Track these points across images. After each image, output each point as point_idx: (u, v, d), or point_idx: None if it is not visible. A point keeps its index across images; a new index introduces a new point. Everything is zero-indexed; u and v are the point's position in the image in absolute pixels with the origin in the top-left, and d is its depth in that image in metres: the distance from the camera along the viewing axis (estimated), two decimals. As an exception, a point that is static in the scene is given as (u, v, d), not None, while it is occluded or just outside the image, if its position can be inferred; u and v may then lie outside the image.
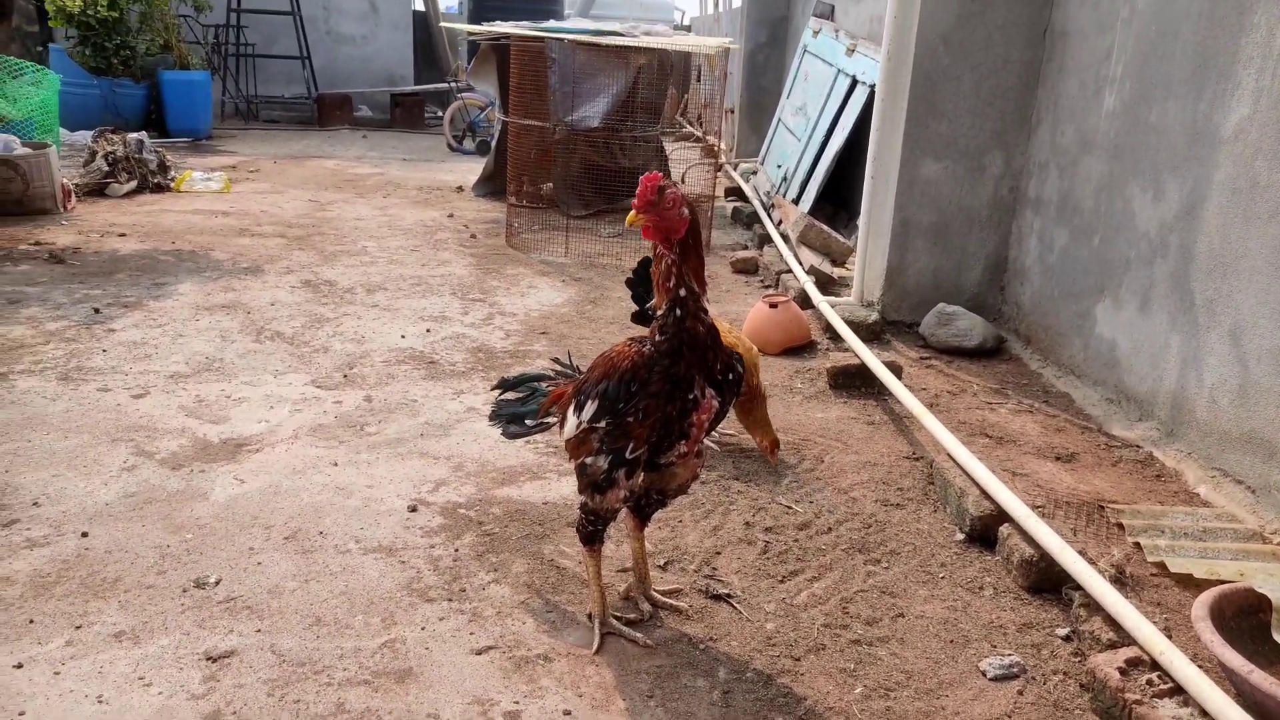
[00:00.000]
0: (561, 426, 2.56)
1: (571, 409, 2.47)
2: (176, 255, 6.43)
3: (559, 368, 3.02)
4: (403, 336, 5.04)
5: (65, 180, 7.69)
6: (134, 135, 8.84)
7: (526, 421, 2.81)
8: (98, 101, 11.43)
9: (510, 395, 2.94)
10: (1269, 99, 3.39)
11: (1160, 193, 4.00)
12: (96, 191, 8.25)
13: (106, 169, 8.37)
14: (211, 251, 6.56)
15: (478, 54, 9.14)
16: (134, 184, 8.47)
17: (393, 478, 3.48)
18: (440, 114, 14.71)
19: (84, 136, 9.94)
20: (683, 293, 2.22)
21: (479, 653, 2.53)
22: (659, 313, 2.26)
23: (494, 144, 9.37)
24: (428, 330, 5.17)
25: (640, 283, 3.35)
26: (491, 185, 9.18)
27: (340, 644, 2.55)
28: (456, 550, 3.02)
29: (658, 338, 2.25)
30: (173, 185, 8.77)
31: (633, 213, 2.21)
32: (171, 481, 3.39)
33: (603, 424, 2.34)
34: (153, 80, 12.00)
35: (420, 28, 17.17)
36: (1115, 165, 4.37)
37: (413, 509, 3.26)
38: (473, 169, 10.16)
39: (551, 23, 10.24)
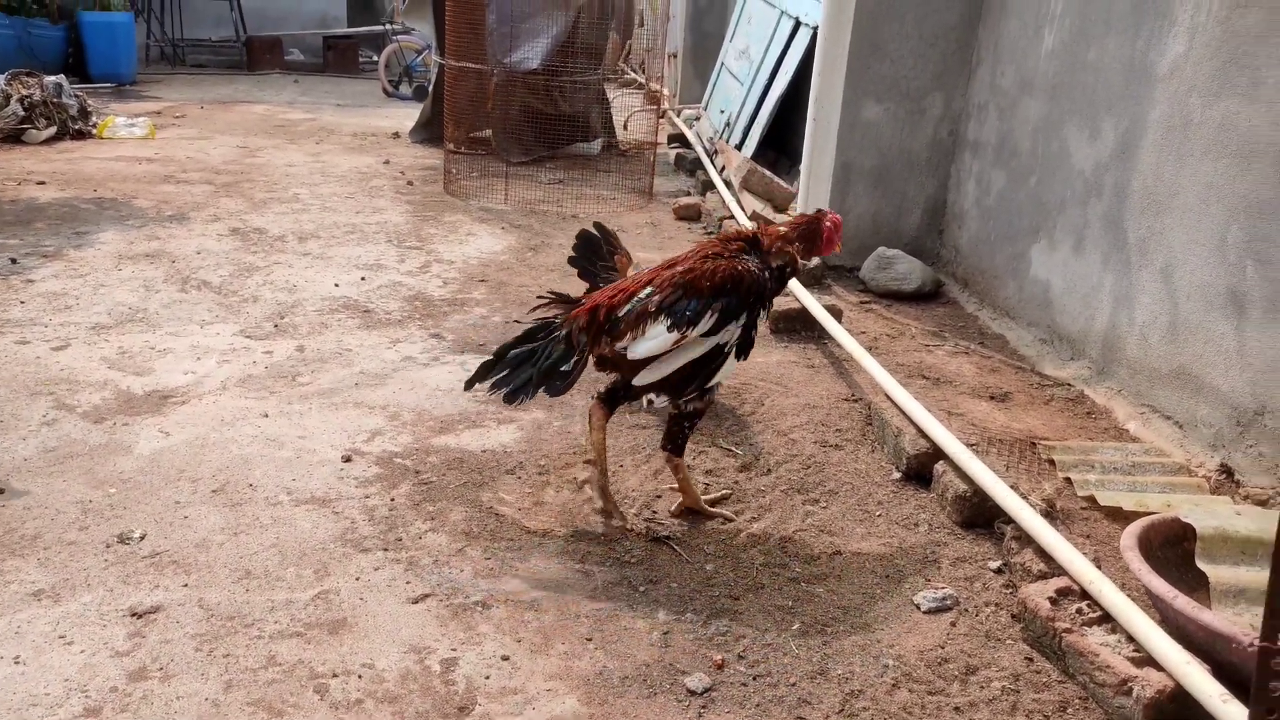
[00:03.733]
0: (625, 344, 2.71)
1: (660, 324, 2.67)
2: (98, 203, 6.18)
3: (551, 297, 2.92)
4: (336, 285, 4.91)
5: (-23, 126, 7.33)
6: (52, 79, 8.43)
7: (563, 369, 2.71)
8: (11, 43, 10.86)
9: (509, 359, 2.76)
10: (1204, 35, 3.40)
11: (1096, 132, 4.02)
12: (12, 138, 7.88)
13: (23, 114, 7.98)
14: (135, 199, 6.31)
15: (412, -6, 8.86)
16: (53, 130, 8.10)
17: (326, 428, 3.41)
18: (375, 58, 14.28)
19: (-3, 80, 9.46)
20: (800, 261, 2.91)
21: (415, 601, 2.50)
22: (778, 259, 2.84)
23: (431, 88, 9.13)
24: (363, 279, 5.04)
25: (584, 257, 3.30)
26: (429, 131, 8.95)
27: (271, 597, 2.49)
28: (392, 500, 2.97)
29: (773, 266, 2.82)
30: (95, 131, 8.41)
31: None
32: (94, 435, 3.28)
33: (725, 331, 2.71)
34: (72, 22, 11.43)
35: (354, -32, 16.58)
36: (1053, 106, 4.38)
37: (347, 459, 3.19)
38: (410, 114, 9.90)
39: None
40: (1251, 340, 3.11)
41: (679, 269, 2.77)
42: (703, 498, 3.02)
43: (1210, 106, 3.35)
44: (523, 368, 2.73)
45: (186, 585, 2.52)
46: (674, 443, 2.90)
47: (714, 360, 2.76)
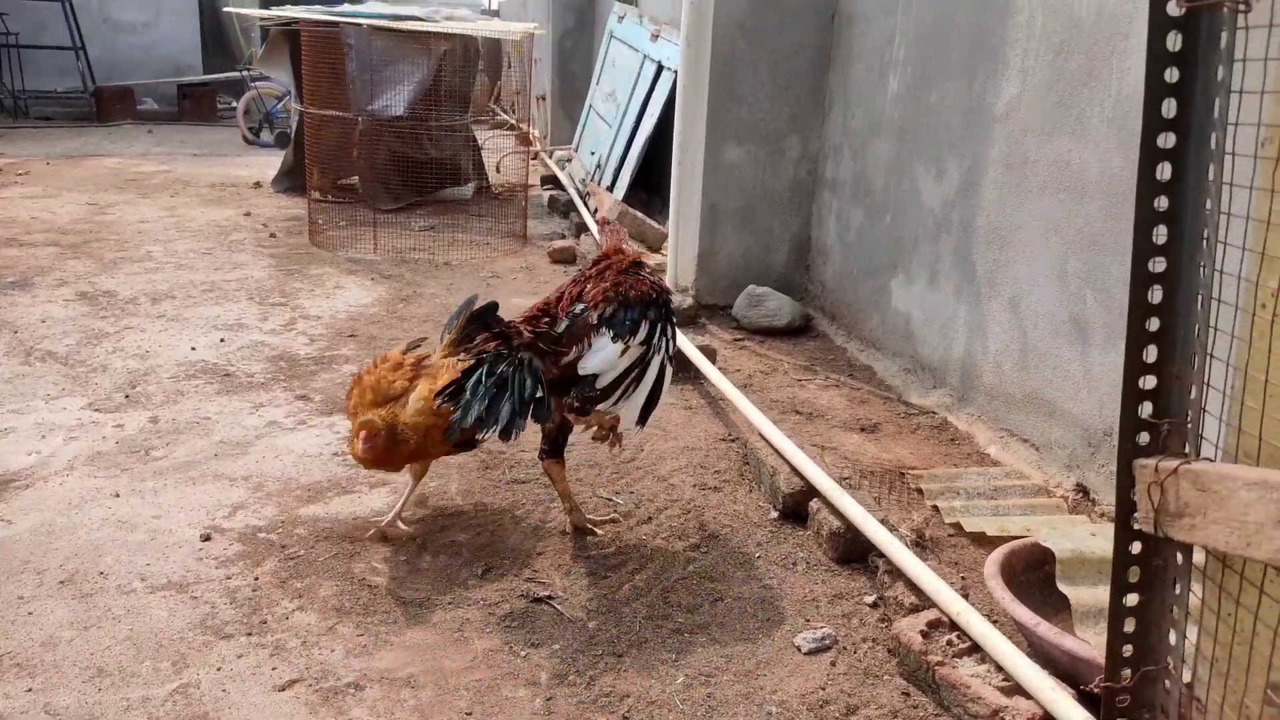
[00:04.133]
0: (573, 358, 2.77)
1: (606, 338, 2.76)
2: (-72, 271, 5.77)
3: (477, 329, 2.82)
4: (193, 348, 4.70)
5: None
6: None
7: (539, 396, 2.63)
8: None
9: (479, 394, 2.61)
10: (1034, 78, 3.61)
11: (942, 171, 4.21)
12: None
13: None
14: (-29, 265, 5.92)
15: (268, 40, 8.64)
16: (-125, 192, 7.56)
17: (183, 505, 3.23)
18: (234, 104, 13.87)
19: None
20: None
21: (282, 689, 2.38)
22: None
23: (293, 135, 8.90)
24: (222, 340, 4.84)
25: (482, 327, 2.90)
26: (292, 180, 8.71)
27: (126, 694, 2.34)
28: (256, 579, 2.83)
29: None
30: (-77, 192, 7.88)
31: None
32: (-78, 529, 3.03)
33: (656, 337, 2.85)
34: (-105, 74, 10.74)
35: (208, 13, 16.09)
36: (901, 146, 4.57)
37: (206, 538, 3.03)
38: (271, 163, 9.62)
39: (347, 6, 9.79)
40: (1096, 364, 3.29)
41: (604, 284, 2.86)
42: (588, 517, 3.16)
43: (1044, 145, 3.55)
44: (499, 401, 2.57)
45: (30, 690, 2.34)
46: (554, 444, 3.01)
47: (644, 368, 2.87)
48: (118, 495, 3.28)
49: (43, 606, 2.66)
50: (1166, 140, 1.27)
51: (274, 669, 2.44)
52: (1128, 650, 1.34)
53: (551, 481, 3.12)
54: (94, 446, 3.63)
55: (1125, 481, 1.33)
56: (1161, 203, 1.32)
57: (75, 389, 4.16)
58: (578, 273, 3.06)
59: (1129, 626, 1.33)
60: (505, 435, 2.56)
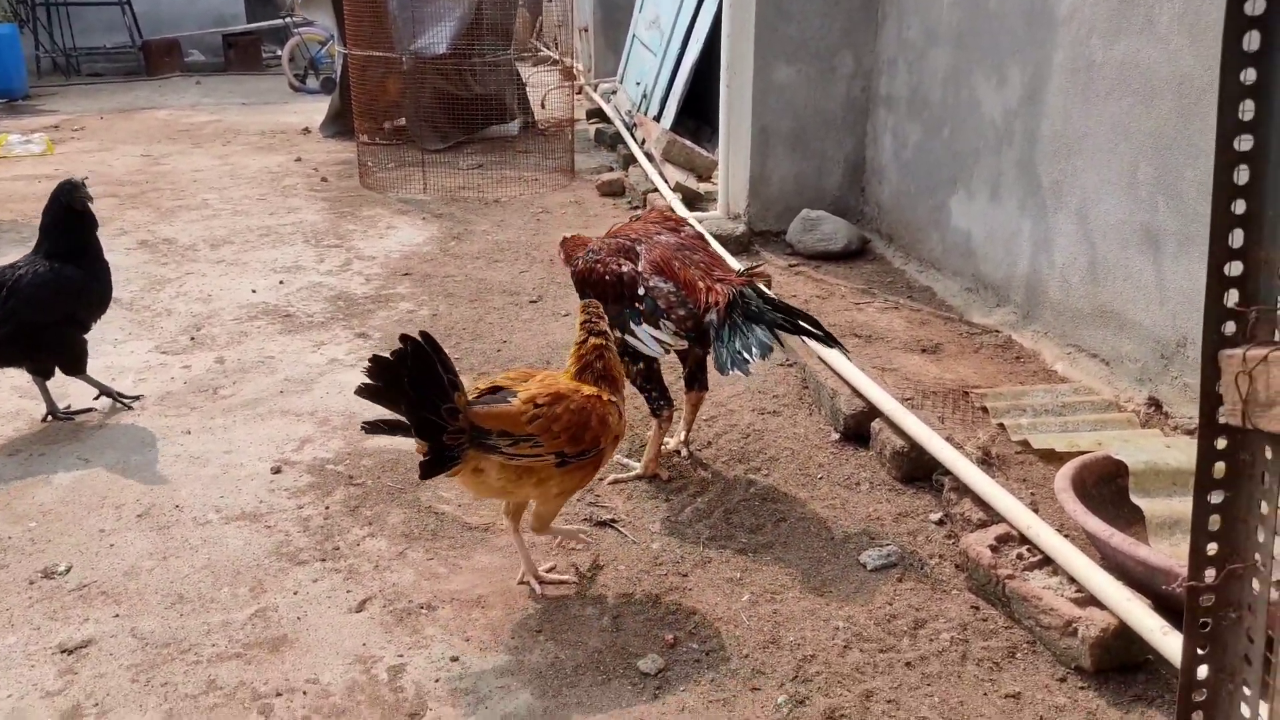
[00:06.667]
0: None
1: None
2: (-5, 226, 5.92)
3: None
4: (253, 291, 4.77)
5: None
6: (-67, 98, 8.06)
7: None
8: (-113, 64, 10.34)
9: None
10: (1098, -23, 3.43)
11: (1004, 79, 4.06)
12: (-103, 163, 7.51)
13: (-95, 137, 7.60)
14: (36, 219, 6.02)
15: (309, -17, 8.60)
16: (-60, 152, 7.74)
17: (252, 440, 3.30)
18: (279, 53, 13.89)
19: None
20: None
21: (357, 610, 2.44)
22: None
23: (338, 80, 8.89)
24: (281, 282, 4.90)
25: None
26: (340, 124, 8.72)
27: (207, 619, 2.41)
28: (327, 508, 2.89)
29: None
30: (-14, 151, 8.04)
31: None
32: (8, 468, 3.14)
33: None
34: (-50, 37, 10.91)
35: (248, -39, 16.05)
36: (959, 55, 4.41)
37: (277, 470, 3.10)
38: (319, 109, 9.64)
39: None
40: (1168, 274, 3.18)
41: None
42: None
43: (1111, 47, 3.39)
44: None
45: (118, 615, 2.43)
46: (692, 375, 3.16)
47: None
48: (189, 432, 3.36)
49: (123, 539, 2.75)
50: (1254, 6, 1.18)
51: (348, 592, 2.50)
52: (1212, 548, 1.29)
53: (686, 409, 3.20)
54: (163, 387, 3.72)
55: (1210, 374, 1.27)
56: (1248, 75, 1.23)
57: (142, 333, 4.25)
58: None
59: (1214, 524, 1.28)
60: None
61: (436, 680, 2.20)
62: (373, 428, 2.29)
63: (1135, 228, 3.31)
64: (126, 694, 2.17)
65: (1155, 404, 3.22)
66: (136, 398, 3.59)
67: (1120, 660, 2.15)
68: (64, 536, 2.76)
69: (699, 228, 5.11)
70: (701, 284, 2.87)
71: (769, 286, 2.90)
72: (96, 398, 3.53)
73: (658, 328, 2.87)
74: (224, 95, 11.65)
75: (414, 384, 2.15)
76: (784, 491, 2.97)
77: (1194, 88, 3.01)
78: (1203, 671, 1.27)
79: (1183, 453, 2.61)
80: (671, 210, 3.06)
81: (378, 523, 2.82)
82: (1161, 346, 3.21)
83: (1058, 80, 3.70)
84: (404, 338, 2.15)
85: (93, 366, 3.88)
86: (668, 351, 2.95)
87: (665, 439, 3.12)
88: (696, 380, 3.14)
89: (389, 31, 7.39)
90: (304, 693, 2.17)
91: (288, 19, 14.12)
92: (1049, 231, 3.79)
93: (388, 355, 2.16)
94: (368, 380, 2.19)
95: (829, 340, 2.83)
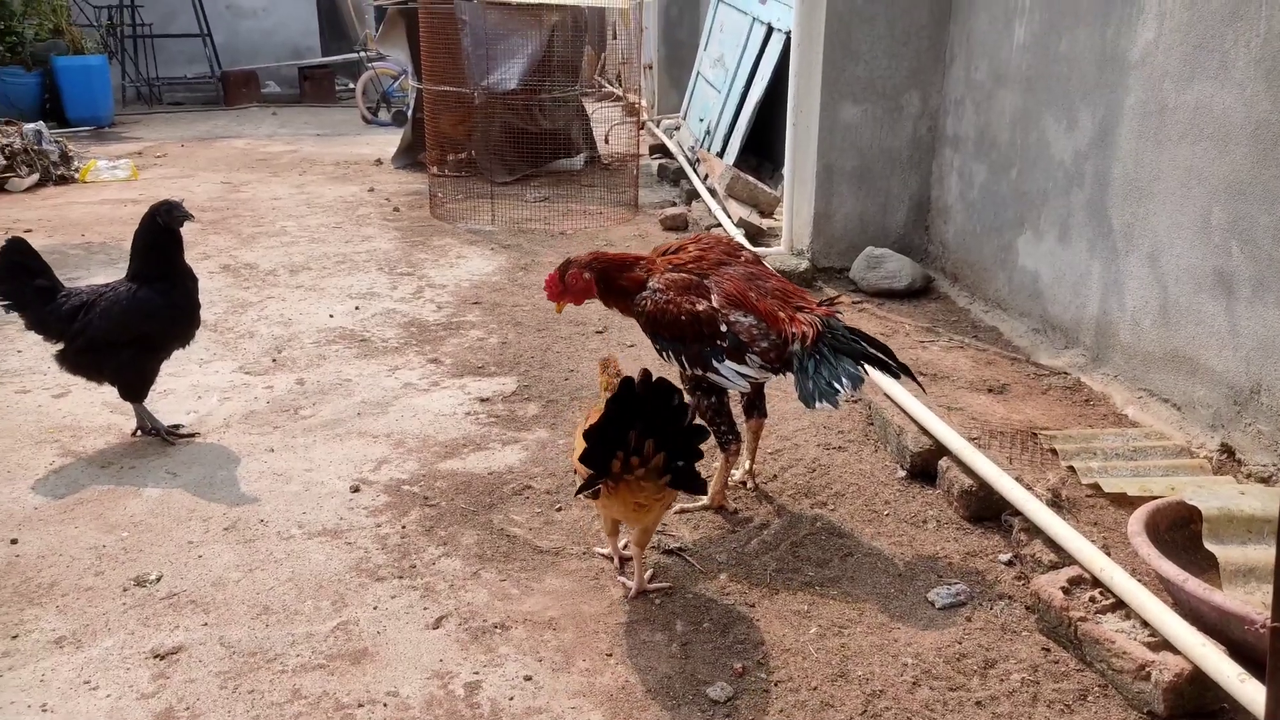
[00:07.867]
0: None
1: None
2: (86, 248, 6.19)
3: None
4: (331, 315, 4.93)
5: (-41, 177, 7.31)
6: (31, 126, 8.43)
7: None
8: (-14, 93, 10.87)
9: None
10: (1172, 21, 3.45)
11: (1074, 121, 4.08)
12: (-6, 187, 7.88)
13: (4, 163, 7.98)
14: (123, 242, 6.28)
15: (385, 19, 8.89)
16: (36, 177, 8.09)
17: (332, 459, 3.42)
18: (352, 86, 14.29)
19: (-25, 130, 9.43)
20: None
21: (434, 627, 2.51)
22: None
23: (410, 113, 9.15)
24: (356, 308, 5.06)
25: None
26: (411, 156, 8.97)
27: (291, 630, 2.51)
28: (403, 527, 2.99)
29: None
30: (77, 176, 8.40)
31: None
32: (101, 479, 3.29)
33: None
34: (46, 67, 11.42)
35: (324, -4, 16.60)
36: (1028, 97, 4.43)
37: (355, 489, 3.21)
38: (390, 141, 9.92)
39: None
40: (1242, 319, 3.16)
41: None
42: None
43: (1184, 91, 3.40)
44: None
45: (206, 624, 2.54)
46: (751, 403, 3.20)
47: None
48: (272, 450, 3.49)
49: (211, 550, 2.87)
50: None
51: (425, 609, 2.58)
52: (1296, 592, 1.31)
53: (748, 437, 3.22)
54: (247, 406, 3.86)
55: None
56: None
57: (226, 354, 4.42)
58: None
59: (1299, 567, 1.30)
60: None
61: (511, 698, 2.26)
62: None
63: (1208, 272, 3.30)
64: (215, 699, 2.26)
65: (1228, 450, 3.19)
66: (190, 436, 3.60)
67: (1194, 706, 2.14)
68: (154, 547, 2.89)
69: (751, 249, 5.22)
70: (782, 314, 2.88)
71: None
72: (135, 432, 3.60)
73: (742, 363, 2.86)
74: (299, 126, 12.03)
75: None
76: (850, 527, 3.00)
77: (1270, 133, 3.01)
78: (1287, 714, 1.29)
79: (1257, 499, 2.59)
80: (729, 237, 3.08)
81: (452, 543, 2.90)
82: (1235, 393, 3.18)
83: (1129, 124, 3.71)
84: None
85: (180, 385, 4.06)
86: (750, 386, 2.97)
87: (731, 471, 3.16)
88: (756, 407, 3.17)
89: (462, 67, 7.61)
90: (384, 705, 2.24)
91: (362, 54, 14.56)
92: (1119, 274, 3.78)
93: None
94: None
95: (904, 373, 2.84)
